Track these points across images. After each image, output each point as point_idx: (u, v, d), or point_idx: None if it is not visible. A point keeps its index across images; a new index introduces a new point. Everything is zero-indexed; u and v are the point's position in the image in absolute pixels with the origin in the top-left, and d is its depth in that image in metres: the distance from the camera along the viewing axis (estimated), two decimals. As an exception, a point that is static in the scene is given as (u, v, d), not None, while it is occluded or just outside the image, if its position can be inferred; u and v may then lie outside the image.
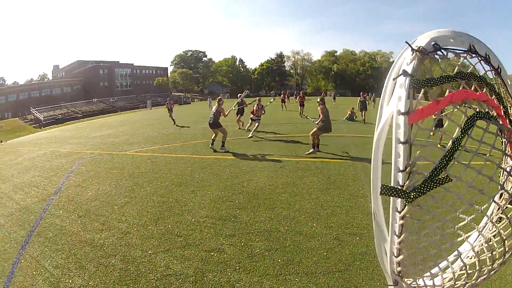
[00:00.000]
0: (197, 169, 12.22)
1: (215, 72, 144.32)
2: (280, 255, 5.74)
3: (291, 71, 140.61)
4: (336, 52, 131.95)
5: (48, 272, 6.46)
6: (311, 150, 13.58)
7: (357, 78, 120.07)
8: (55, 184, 12.92)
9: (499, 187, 1.40)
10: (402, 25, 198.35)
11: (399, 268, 1.38)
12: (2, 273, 6.80)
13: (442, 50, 1.25)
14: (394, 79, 1.30)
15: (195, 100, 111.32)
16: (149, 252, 6.42)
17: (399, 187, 1.18)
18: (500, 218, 1.48)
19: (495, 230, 1.47)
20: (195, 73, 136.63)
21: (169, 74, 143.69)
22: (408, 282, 1.44)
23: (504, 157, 1.48)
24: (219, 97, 16.66)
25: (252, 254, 5.89)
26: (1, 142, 49.03)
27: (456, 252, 1.41)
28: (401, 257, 1.34)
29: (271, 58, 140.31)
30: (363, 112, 27.17)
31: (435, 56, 1.24)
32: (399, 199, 1.21)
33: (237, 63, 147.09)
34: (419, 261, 1.42)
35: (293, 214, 7.29)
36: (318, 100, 13.78)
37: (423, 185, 1.18)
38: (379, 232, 1.53)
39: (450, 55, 1.29)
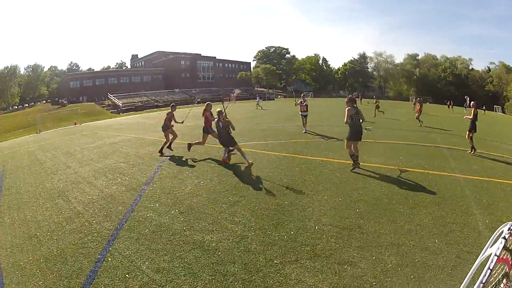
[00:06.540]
0: (305, 170, 11.77)
1: (298, 69, 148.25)
2: (411, 271, 5.63)
3: (374, 73, 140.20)
4: (417, 55, 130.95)
5: (146, 277, 5.83)
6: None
7: (438, 84, 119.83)
8: (145, 173, 12.75)
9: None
10: (478, 27, 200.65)
11: None
12: (80, 271, 6.24)
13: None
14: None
15: (279, 96, 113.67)
16: (275, 261, 6.04)
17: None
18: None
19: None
20: (278, 69, 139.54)
21: (251, 69, 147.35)
22: None
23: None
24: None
25: (385, 269, 5.72)
26: (75, 124, 52.11)
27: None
28: None
29: (354, 59, 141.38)
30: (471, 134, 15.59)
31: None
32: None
33: (320, 61, 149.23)
34: None
35: (414, 228, 7.25)
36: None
37: None
38: None
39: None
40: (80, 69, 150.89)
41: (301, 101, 21.75)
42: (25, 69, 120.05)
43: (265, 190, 9.80)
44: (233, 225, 7.55)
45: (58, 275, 6.21)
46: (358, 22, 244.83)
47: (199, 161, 14.24)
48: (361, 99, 63.83)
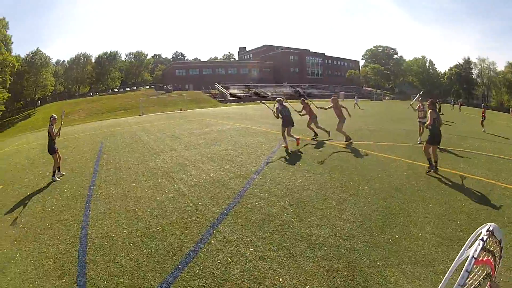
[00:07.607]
0: (412, 176, 11.31)
1: (405, 71, 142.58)
2: (498, 292, 5.26)
3: (478, 80, 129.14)
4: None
5: (249, 262, 5.89)
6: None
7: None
8: (255, 162, 12.91)
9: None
10: None
11: None
12: (179, 250, 6.46)
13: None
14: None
15: (386, 98, 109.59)
16: (378, 263, 5.96)
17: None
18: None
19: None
20: (386, 70, 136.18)
21: (360, 68, 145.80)
22: None
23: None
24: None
25: (477, 285, 5.24)
26: (181, 110, 53.95)
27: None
28: None
29: (459, 63, 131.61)
30: None
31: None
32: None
33: (427, 64, 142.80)
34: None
35: (506, 248, 6.17)
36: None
37: None
38: None
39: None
40: (186, 58, 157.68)
41: (419, 106, 19.15)
42: (126, 56, 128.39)
43: (373, 191, 9.53)
44: (341, 222, 7.43)
45: (153, 250, 6.49)
46: (462, 24, 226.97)
47: (309, 154, 14.15)
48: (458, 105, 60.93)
